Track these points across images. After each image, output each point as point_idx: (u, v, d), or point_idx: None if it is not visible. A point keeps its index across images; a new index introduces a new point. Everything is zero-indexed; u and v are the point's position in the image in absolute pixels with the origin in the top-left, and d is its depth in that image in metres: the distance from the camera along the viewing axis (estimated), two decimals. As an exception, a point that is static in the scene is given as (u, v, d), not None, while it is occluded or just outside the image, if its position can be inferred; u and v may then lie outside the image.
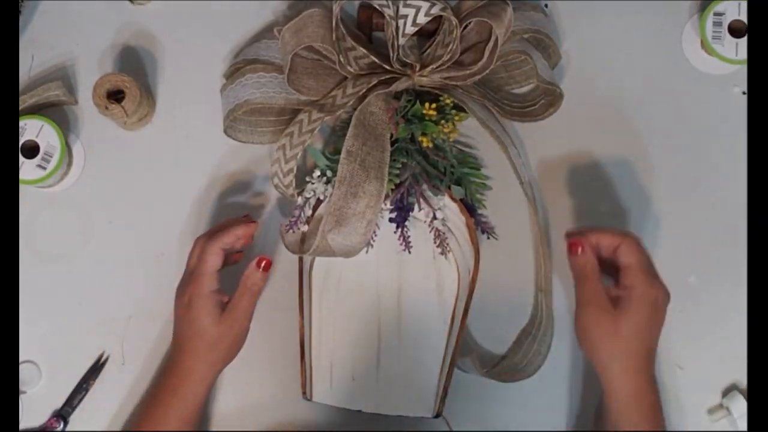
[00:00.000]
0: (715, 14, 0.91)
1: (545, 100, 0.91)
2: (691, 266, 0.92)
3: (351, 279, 0.91)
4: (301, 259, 0.87)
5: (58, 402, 0.90)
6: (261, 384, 0.90)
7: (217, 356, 0.82)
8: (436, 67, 0.86)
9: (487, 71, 0.86)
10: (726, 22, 0.91)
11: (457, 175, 0.90)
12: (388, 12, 0.82)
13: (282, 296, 0.90)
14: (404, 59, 0.85)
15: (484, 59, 0.86)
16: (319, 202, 0.88)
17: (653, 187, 0.93)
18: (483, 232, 0.90)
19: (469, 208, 0.90)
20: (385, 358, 0.89)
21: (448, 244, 0.90)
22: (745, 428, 0.88)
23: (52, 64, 0.95)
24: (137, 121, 0.92)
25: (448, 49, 0.85)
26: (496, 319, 0.90)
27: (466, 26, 0.86)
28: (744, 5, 0.91)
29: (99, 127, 0.94)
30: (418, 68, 0.86)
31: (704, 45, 0.93)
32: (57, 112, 0.94)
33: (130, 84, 0.89)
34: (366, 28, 0.91)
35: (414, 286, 0.91)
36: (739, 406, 0.88)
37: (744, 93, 0.94)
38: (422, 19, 0.81)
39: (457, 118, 0.88)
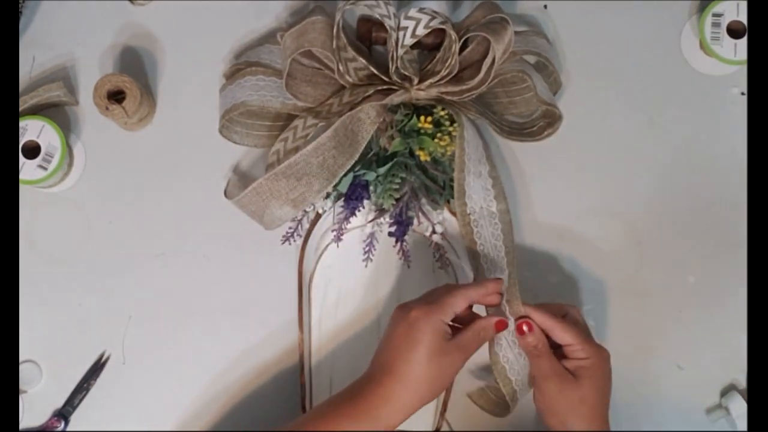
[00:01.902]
0: (714, 15, 0.92)
1: (543, 122, 0.91)
2: (691, 266, 0.92)
3: (350, 293, 0.90)
4: (300, 275, 0.87)
5: (59, 401, 0.90)
6: (260, 399, 0.90)
7: (426, 391, 0.75)
8: (434, 82, 0.86)
9: (484, 87, 0.86)
10: (725, 22, 0.91)
11: None
12: (389, 23, 0.82)
13: (282, 311, 0.90)
14: (403, 71, 0.85)
15: (481, 74, 0.85)
16: (318, 216, 0.88)
17: (653, 188, 0.93)
18: (482, 245, 0.90)
19: (468, 221, 0.89)
20: None
21: (447, 258, 0.90)
22: (744, 428, 0.88)
23: (53, 64, 0.95)
24: (137, 122, 0.93)
25: (447, 64, 0.84)
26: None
27: (467, 43, 0.86)
28: (742, 6, 0.91)
29: (99, 127, 0.94)
30: (416, 82, 0.86)
31: (703, 46, 0.93)
32: (58, 113, 0.94)
33: (131, 84, 0.89)
34: (365, 40, 0.91)
35: None
36: (738, 406, 0.88)
37: (743, 94, 0.95)
38: (421, 31, 0.81)
39: (452, 129, 0.86)
